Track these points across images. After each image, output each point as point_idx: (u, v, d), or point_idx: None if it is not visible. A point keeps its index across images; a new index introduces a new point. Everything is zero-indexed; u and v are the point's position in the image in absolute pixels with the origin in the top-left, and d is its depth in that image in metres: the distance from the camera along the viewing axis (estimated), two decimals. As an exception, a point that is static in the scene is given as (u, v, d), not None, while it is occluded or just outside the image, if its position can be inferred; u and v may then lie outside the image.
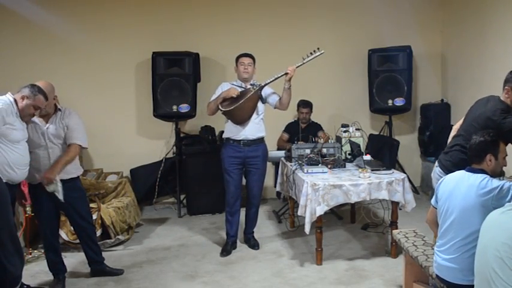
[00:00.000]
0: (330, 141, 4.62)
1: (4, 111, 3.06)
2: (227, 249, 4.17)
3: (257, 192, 4.26)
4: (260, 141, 4.18)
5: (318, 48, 4.00)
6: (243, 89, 4.06)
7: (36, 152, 3.36)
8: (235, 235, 4.26)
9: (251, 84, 4.11)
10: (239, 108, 3.95)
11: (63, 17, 5.57)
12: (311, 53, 4.00)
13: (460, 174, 2.60)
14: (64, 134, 3.44)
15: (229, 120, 4.12)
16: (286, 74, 3.99)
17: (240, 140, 4.09)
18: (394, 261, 3.82)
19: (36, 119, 3.38)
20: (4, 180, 3.01)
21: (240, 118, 4.04)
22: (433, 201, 2.74)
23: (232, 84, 4.14)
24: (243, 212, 4.31)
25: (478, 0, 5.19)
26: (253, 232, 4.39)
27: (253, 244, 4.29)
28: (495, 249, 2.02)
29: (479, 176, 2.46)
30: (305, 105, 5.42)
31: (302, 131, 5.02)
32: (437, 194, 2.69)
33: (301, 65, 4.01)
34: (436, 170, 3.28)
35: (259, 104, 4.12)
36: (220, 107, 3.99)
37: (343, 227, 4.83)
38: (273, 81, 4.04)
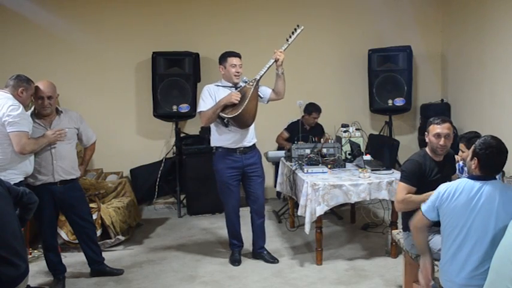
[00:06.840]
0: (330, 141, 4.62)
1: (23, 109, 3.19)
2: (238, 258, 3.94)
3: (263, 201, 3.98)
4: (254, 146, 3.93)
5: (298, 25, 3.77)
6: (240, 89, 3.75)
7: (39, 153, 3.36)
8: (242, 242, 4.05)
9: (244, 82, 3.77)
10: (246, 110, 3.61)
11: (63, 17, 5.57)
12: (292, 33, 3.76)
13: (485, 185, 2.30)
14: (74, 136, 3.55)
15: (220, 127, 3.76)
16: (277, 60, 3.69)
17: (236, 148, 3.78)
18: (394, 261, 3.82)
19: (38, 120, 3.40)
20: (22, 175, 3.22)
21: (247, 121, 3.70)
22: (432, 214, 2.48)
23: (218, 86, 3.80)
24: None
25: (478, 0, 5.18)
26: (264, 246, 4.03)
27: (271, 258, 3.94)
28: None
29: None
30: (318, 111, 5.34)
31: (307, 133, 5.00)
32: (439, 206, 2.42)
33: (287, 47, 3.77)
34: None
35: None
36: (224, 115, 3.62)
37: (343, 227, 4.83)
38: (266, 72, 3.74)
